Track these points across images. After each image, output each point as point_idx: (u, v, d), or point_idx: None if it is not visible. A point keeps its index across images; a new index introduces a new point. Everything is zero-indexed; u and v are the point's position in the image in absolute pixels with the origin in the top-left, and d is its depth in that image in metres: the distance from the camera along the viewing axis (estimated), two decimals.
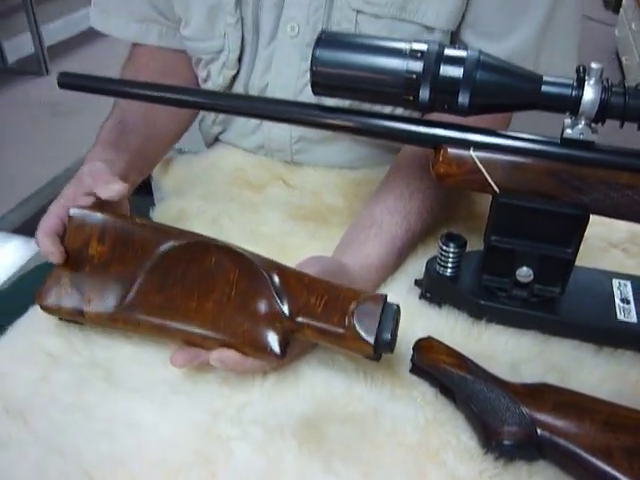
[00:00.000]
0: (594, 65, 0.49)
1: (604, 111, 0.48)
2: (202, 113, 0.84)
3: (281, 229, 0.71)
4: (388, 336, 0.47)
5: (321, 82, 0.52)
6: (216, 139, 0.86)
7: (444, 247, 0.59)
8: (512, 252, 0.54)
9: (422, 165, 0.64)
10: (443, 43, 0.51)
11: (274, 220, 0.72)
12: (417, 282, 0.62)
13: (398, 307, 0.49)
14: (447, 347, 0.53)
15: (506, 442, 0.47)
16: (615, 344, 0.55)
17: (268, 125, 0.76)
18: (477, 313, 0.58)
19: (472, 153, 0.52)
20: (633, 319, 0.56)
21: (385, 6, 0.65)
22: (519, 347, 0.56)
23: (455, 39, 0.68)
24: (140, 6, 0.76)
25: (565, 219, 0.52)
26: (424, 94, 0.50)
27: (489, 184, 0.52)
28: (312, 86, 0.53)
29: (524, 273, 0.55)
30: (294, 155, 0.78)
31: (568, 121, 0.51)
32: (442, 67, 0.49)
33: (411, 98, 0.51)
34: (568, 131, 0.50)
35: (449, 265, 0.59)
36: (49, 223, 0.56)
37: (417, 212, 0.63)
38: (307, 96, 0.72)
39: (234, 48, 0.73)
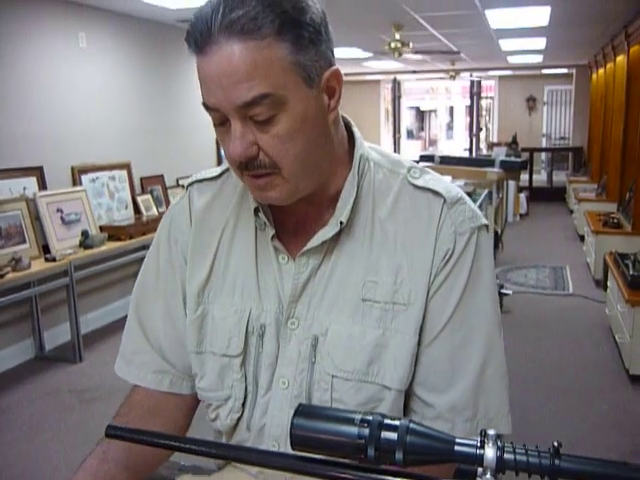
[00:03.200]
0: (490, 432, 0.68)
1: (502, 465, 0.67)
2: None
3: None
4: None
5: (298, 442, 0.72)
6: (227, 462, 1.04)
7: None
8: None
9: None
10: (385, 414, 0.71)
11: None
12: None
13: None
14: None
15: None
16: None
17: None
18: None
19: None
20: None
21: (352, 372, 0.88)
22: None
23: (410, 394, 0.90)
24: (157, 360, 0.99)
25: None
26: (370, 453, 0.69)
27: None
28: (292, 445, 0.72)
29: None
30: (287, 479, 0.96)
31: (480, 470, 0.69)
32: (382, 433, 0.69)
33: (362, 456, 0.70)
34: (478, 479, 0.68)
35: None
36: None
37: None
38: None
39: (239, 397, 0.94)
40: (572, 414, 3.10)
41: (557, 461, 0.66)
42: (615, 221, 5.24)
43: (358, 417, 0.71)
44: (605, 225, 5.22)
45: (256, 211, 0.92)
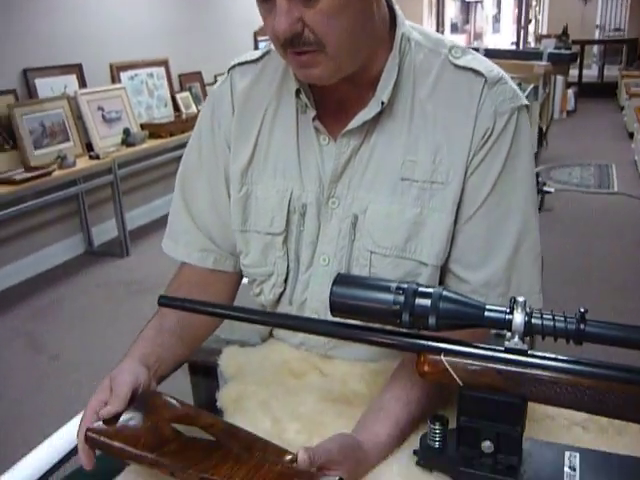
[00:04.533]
0: (519, 298, 0.72)
1: (529, 329, 0.71)
2: None
3: (314, 409, 0.92)
4: None
5: (337, 309, 0.76)
6: (270, 334, 1.11)
7: (432, 425, 0.79)
8: (476, 429, 0.74)
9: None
10: (419, 283, 0.75)
11: (310, 402, 0.94)
12: (415, 452, 0.82)
13: None
14: None
15: None
16: None
17: None
18: (458, 478, 0.77)
19: (443, 358, 0.74)
20: None
21: (390, 248, 0.91)
22: None
23: (445, 271, 0.93)
24: (203, 240, 1.04)
25: (510, 405, 0.72)
26: (405, 318, 0.73)
27: (455, 380, 0.74)
28: (331, 311, 0.77)
29: (487, 446, 0.74)
30: (328, 351, 1.02)
31: (508, 335, 0.73)
32: (416, 299, 0.73)
33: (397, 321, 0.74)
34: (507, 343, 0.72)
35: (436, 439, 0.79)
36: (85, 422, 0.79)
37: (417, 400, 0.84)
38: None
39: (281, 273, 0.99)
40: (614, 311, 3.13)
41: (582, 325, 0.69)
42: None
43: (394, 285, 0.75)
44: None
45: (297, 92, 0.93)
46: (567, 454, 0.78)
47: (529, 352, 0.72)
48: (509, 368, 0.72)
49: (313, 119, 0.92)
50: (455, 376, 0.74)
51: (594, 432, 0.86)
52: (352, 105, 0.92)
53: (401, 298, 0.74)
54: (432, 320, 0.73)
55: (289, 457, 0.73)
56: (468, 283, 0.91)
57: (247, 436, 0.77)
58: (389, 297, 0.74)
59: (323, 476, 0.68)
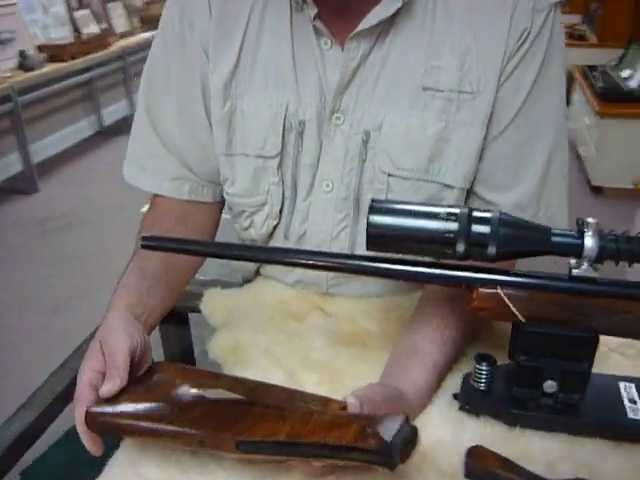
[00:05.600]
0: (590, 220, 0.62)
1: (602, 254, 0.62)
2: None
3: (327, 354, 0.81)
4: (398, 445, 0.54)
5: (375, 242, 0.65)
6: (256, 272, 0.98)
7: (478, 366, 0.70)
8: (538, 368, 0.66)
9: (451, 299, 0.77)
10: (471, 207, 0.64)
11: (320, 346, 0.83)
12: (455, 396, 0.73)
13: (416, 428, 0.57)
14: (495, 453, 0.64)
15: None
16: (630, 439, 0.66)
17: None
18: (511, 421, 0.69)
19: (500, 292, 0.65)
20: None
21: (412, 170, 0.79)
22: (552, 448, 0.67)
23: (469, 194, 0.83)
24: (176, 167, 0.88)
25: (579, 340, 0.64)
26: (460, 248, 0.63)
27: (516, 316, 0.65)
28: (367, 245, 0.65)
29: (549, 385, 0.66)
30: (329, 288, 0.90)
31: (573, 262, 0.64)
32: (473, 226, 0.62)
33: (449, 252, 0.63)
34: (575, 271, 0.63)
35: (483, 380, 0.71)
36: (83, 402, 0.65)
37: (452, 340, 0.75)
38: (341, 241, 0.85)
39: (276, 202, 0.86)
40: None
41: None
42: (580, 33, 5.09)
43: (443, 211, 0.64)
44: (570, 38, 5.07)
45: None
46: (622, 385, 0.72)
47: (599, 280, 0.64)
48: (577, 299, 0.64)
49: (313, 18, 0.77)
50: (515, 311, 0.65)
51: (633, 358, 0.80)
52: (358, 2, 0.77)
53: (454, 225, 0.63)
54: (492, 249, 0.63)
55: (336, 404, 0.62)
56: (496, 206, 0.81)
57: (281, 390, 0.66)
58: (439, 225, 0.63)
59: (387, 416, 0.58)
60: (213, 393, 0.65)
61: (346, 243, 0.85)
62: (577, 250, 0.62)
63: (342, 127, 0.81)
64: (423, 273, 0.67)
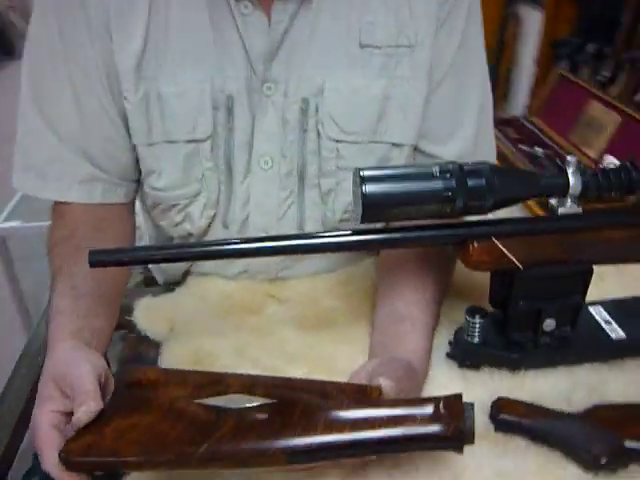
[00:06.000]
0: (570, 158, 0.64)
1: (586, 190, 0.64)
2: None
3: (303, 343, 0.76)
4: (471, 428, 0.52)
5: (372, 213, 0.60)
6: (185, 273, 0.88)
7: (471, 319, 0.70)
8: (537, 310, 0.68)
9: (421, 257, 0.76)
10: (458, 162, 0.62)
11: (292, 337, 0.77)
12: (449, 355, 0.73)
13: (472, 404, 0.54)
14: (518, 401, 0.64)
15: (603, 460, 0.59)
16: (621, 357, 0.71)
17: None
18: (514, 366, 0.70)
19: (497, 242, 0.64)
20: (622, 335, 0.72)
21: (361, 133, 0.76)
22: (558, 383, 0.69)
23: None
24: (83, 168, 0.76)
25: (575, 275, 0.66)
26: (459, 204, 0.61)
27: (514, 264, 0.65)
28: (363, 217, 0.61)
29: (548, 324, 0.68)
30: (279, 272, 0.85)
31: (555, 202, 0.65)
32: (469, 181, 0.61)
33: (448, 210, 0.61)
34: (560, 209, 0.65)
35: (477, 333, 0.71)
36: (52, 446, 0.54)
37: (433, 298, 0.74)
38: (289, 221, 0.80)
39: (213, 189, 0.78)
40: None
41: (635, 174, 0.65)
42: None
43: (436, 169, 0.62)
44: None
45: None
46: (592, 310, 0.76)
47: (585, 214, 0.66)
48: (567, 236, 0.65)
49: None
50: (513, 259, 0.65)
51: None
52: None
53: (452, 182, 0.61)
54: (489, 200, 0.62)
55: (374, 390, 0.57)
56: (440, 159, 0.81)
57: (304, 382, 0.59)
58: (437, 184, 0.61)
59: (446, 399, 0.55)
60: (233, 401, 0.56)
61: (294, 221, 0.80)
62: (563, 188, 0.64)
63: (275, 97, 0.75)
64: (418, 236, 0.64)
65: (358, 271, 0.86)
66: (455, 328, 0.75)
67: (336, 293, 0.84)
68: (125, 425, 0.54)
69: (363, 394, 0.57)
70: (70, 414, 0.55)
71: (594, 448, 0.59)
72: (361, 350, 0.74)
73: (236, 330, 0.79)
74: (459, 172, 0.61)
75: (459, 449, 0.53)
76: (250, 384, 0.57)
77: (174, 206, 0.80)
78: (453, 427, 0.52)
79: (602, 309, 0.76)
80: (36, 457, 0.66)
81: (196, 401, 0.55)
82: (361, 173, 0.60)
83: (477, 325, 0.70)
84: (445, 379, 0.70)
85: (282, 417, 0.53)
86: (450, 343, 0.74)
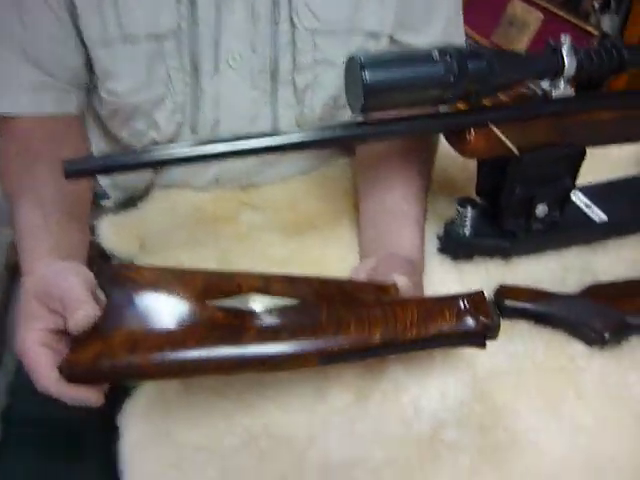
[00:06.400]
0: (563, 38, 0.62)
1: (580, 70, 0.63)
2: None
3: (289, 251, 0.73)
4: (497, 322, 0.52)
5: (373, 101, 0.57)
6: (146, 188, 0.82)
7: (462, 210, 0.69)
8: (530, 196, 0.67)
9: (406, 151, 0.73)
10: (454, 46, 0.59)
11: (276, 242, 0.74)
12: (441, 249, 0.72)
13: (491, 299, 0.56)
14: (519, 287, 0.65)
15: (607, 334, 0.61)
16: (606, 238, 0.73)
17: None
18: (507, 254, 0.70)
19: (494, 128, 0.63)
20: (604, 217, 0.74)
21: (338, 22, 0.70)
22: (549, 266, 0.70)
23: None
24: (30, 75, 0.68)
25: (568, 158, 0.66)
26: (460, 88, 0.58)
27: (510, 150, 0.64)
28: (364, 107, 0.57)
29: (541, 210, 0.68)
30: (251, 178, 0.80)
31: (547, 86, 0.64)
32: (469, 63, 0.58)
33: (450, 95, 0.59)
34: (554, 92, 0.64)
35: (468, 225, 0.70)
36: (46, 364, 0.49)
37: (422, 190, 0.72)
38: (262, 121, 0.75)
39: (180, 91, 0.71)
40: None
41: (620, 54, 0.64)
42: None
43: (435, 53, 0.58)
44: None
45: None
46: (571, 196, 0.77)
47: (578, 96, 0.65)
48: (560, 119, 0.65)
49: None
50: (510, 144, 0.64)
51: None
52: None
53: (453, 65, 0.58)
54: (491, 82, 0.59)
55: (392, 289, 0.56)
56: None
57: (320, 281, 0.56)
58: (439, 68, 0.57)
59: (469, 294, 0.54)
60: (250, 302, 0.52)
61: (268, 122, 0.75)
62: (558, 68, 0.62)
63: None
64: (408, 126, 0.61)
65: (334, 172, 0.83)
66: (440, 222, 0.74)
67: (313, 195, 0.81)
68: (135, 331, 0.49)
69: (383, 292, 0.55)
70: (61, 332, 0.50)
71: (597, 324, 0.61)
72: (349, 250, 0.72)
73: (214, 239, 0.74)
74: (459, 55, 0.58)
75: (483, 345, 0.53)
76: (264, 283, 0.54)
77: (137, 113, 0.73)
78: (482, 323, 0.51)
79: (581, 194, 0.77)
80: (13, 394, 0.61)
81: (211, 303, 0.51)
82: (359, 59, 0.56)
83: (468, 216, 0.69)
84: (441, 273, 0.69)
85: (310, 317, 0.51)
86: (439, 238, 0.73)
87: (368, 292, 0.55)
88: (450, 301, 0.53)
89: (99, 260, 0.75)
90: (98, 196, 0.91)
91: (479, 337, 0.52)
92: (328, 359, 0.50)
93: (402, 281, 0.56)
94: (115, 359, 0.47)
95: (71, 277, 0.52)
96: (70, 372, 0.47)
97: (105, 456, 0.53)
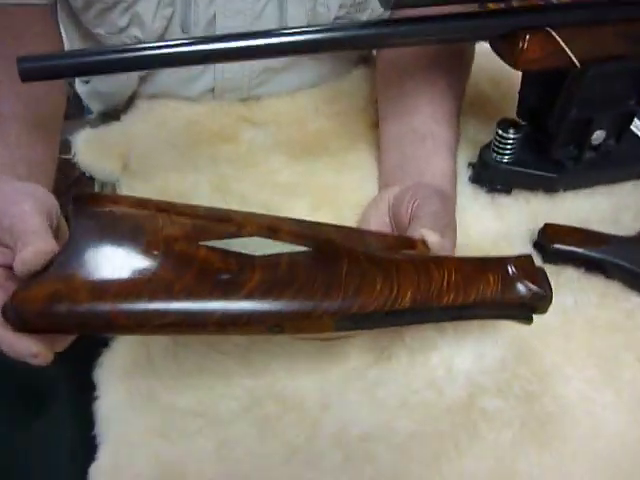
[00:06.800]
0: None
1: None
2: None
3: (298, 172, 0.63)
4: (550, 294, 0.43)
5: None
6: (131, 97, 0.70)
7: (504, 134, 0.59)
8: (588, 120, 0.57)
9: (437, 62, 0.62)
10: None
11: (280, 166, 0.64)
12: (474, 178, 0.62)
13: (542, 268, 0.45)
14: (569, 227, 0.55)
15: None
16: None
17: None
18: (552, 187, 0.60)
19: (554, 33, 0.51)
20: None
21: None
22: (599, 204, 0.60)
23: None
24: None
25: (635, 76, 0.55)
26: None
27: (571, 61, 0.52)
28: (395, 3, 0.45)
29: (598, 136, 0.58)
30: (252, 90, 0.69)
31: None
32: None
33: None
34: None
35: (508, 151, 0.60)
36: None
37: (452, 112, 0.61)
38: (267, 21, 0.63)
39: None
40: None
41: None
42: None
43: None
44: None
45: None
46: None
47: None
48: (630, 25, 0.53)
49: None
50: (571, 54, 0.52)
51: None
52: None
53: None
54: None
55: (421, 245, 0.46)
56: None
57: (336, 229, 0.46)
58: None
59: (517, 259, 0.44)
60: (253, 246, 0.42)
61: (274, 21, 0.63)
62: None
63: None
64: (450, 27, 0.50)
65: (346, 86, 0.72)
66: (470, 147, 0.64)
67: (323, 113, 0.69)
68: (105, 273, 0.39)
69: (409, 248, 0.45)
70: (11, 268, 0.40)
71: None
72: (367, 178, 0.62)
73: (210, 162, 0.64)
74: None
75: (530, 319, 0.44)
76: (270, 225, 0.44)
77: (117, 4, 0.60)
78: (533, 292, 0.42)
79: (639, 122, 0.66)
80: None
81: (203, 243, 0.41)
82: None
83: (510, 141, 0.59)
84: (476, 207, 0.59)
85: (326, 270, 0.41)
86: (471, 165, 0.63)
87: (394, 246, 0.45)
88: (495, 263, 0.43)
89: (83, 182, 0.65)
90: (86, 111, 0.80)
91: (526, 309, 0.43)
92: (347, 323, 0.40)
93: (433, 237, 0.45)
94: (75, 303, 0.37)
95: (25, 202, 0.41)
96: (17, 313, 0.37)
97: (77, 420, 0.45)
